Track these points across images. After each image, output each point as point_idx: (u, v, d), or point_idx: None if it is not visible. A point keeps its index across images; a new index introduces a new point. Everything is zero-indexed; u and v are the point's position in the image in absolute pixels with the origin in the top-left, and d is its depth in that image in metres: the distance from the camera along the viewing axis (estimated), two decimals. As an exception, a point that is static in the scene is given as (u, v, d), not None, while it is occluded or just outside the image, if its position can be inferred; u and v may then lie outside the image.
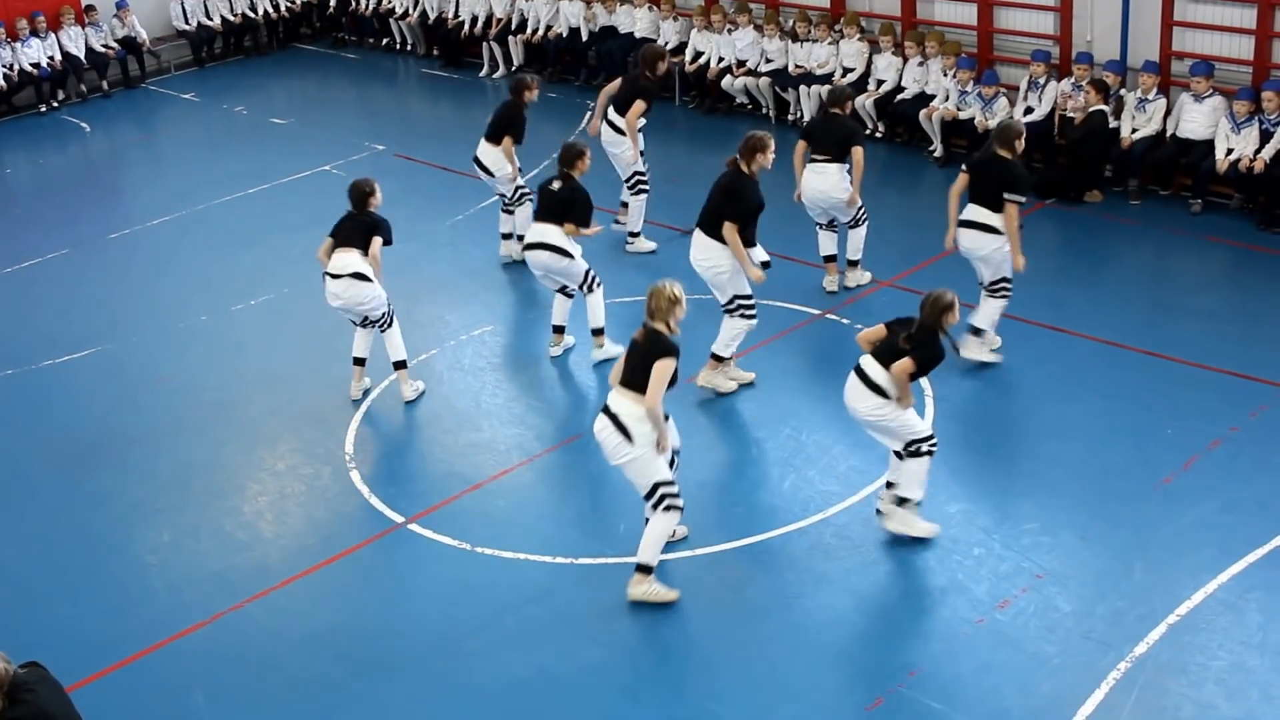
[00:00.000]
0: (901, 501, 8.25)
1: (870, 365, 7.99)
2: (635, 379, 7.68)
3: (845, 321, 11.04)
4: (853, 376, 8.08)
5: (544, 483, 9.32)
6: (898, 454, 8.16)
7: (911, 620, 7.64)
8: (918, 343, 7.83)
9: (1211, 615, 7.46)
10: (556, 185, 10.53)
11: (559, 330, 10.91)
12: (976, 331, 10.17)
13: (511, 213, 12.62)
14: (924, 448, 8.06)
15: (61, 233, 14.55)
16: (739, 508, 8.81)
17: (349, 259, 9.98)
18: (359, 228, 10.08)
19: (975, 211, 9.94)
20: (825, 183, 11.18)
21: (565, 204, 10.42)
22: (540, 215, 10.54)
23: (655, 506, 7.80)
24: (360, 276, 9.96)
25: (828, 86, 15.04)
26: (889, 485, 8.37)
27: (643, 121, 12.51)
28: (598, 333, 10.69)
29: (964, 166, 10.21)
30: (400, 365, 10.42)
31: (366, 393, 10.56)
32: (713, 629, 7.80)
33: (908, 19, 15.12)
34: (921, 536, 8.24)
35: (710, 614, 7.95)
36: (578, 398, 10.42)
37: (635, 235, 12.73)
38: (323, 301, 11.13)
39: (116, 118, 18.88)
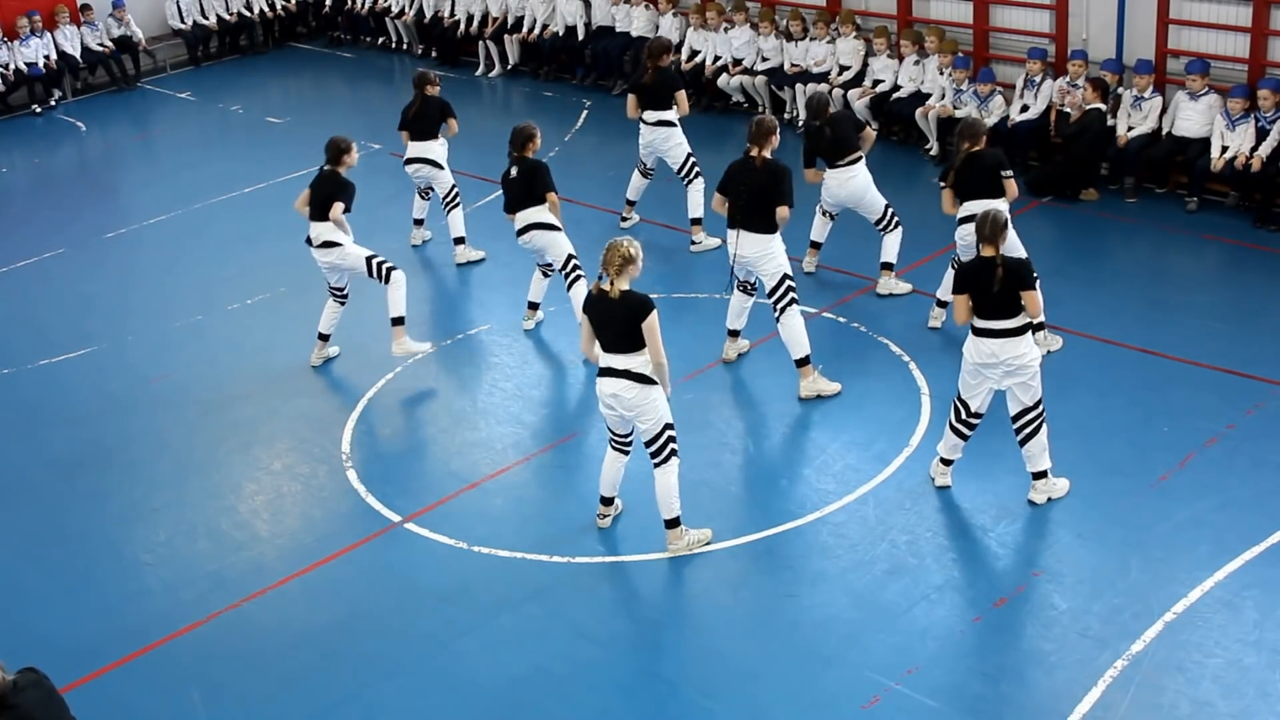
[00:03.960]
0: (1040, 474, 8.56)
1: (1006, 320, 8.20)
2: (623, 342, 8.01)
3: (841, 320, 11.05)
4: (991, 342, 8.23)
5: (540, 481, 9.32)
6: (1019, 432, 8.47)
7: (908, 618, 7.64)
8: (1010, 264, 8.24)
9: (1208, 613, 7.47)
10: (514, 172, 10.74)
11: (533, 306, 11.31)
12: (1038, 327, 10.19)
13: (427, 199, 13.10)
14: (1042, 417, 8.44)
15: (58, 232, 14.53)
16: (734, 507, 8.81)
17: (320, 229, 10.54)
18: (325, 195, 10.52)
19: (976, 205, 10.00)
20: (850, 182, 11.19)
21: (529, 184, 10.67)
22: (515, 205, 10.75)
23: (658, 454, 8.16)
24: (330, 244, 10.53)
25: (823, 85, 15.12)
26: (944, 462, 8.74)
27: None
28: None
29: (941, 182, 10.21)
30: (397, 321, 10.71)
31: (329, 362, 11.09)
32: (709, 628, 7.81)
33: (903, 17, 15.12)
34: (1062, 495, 8.62)
35: (707, 613, 7.96)
36: (573, 397, 10.42)
37: (698, 223, 12.60)
38: (319, 301, 11.15)
39: (112, 117, 18.85)
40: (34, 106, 19.03)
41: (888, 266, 11.43)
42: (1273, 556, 7.88)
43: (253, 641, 7.96)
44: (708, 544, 8.37)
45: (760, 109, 16.03)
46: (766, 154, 9.75)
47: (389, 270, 10.65)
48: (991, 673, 7.20)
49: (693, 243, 12.62)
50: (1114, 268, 11.85)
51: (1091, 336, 10.45)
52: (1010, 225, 10.07)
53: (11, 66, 18.74)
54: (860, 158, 11.12)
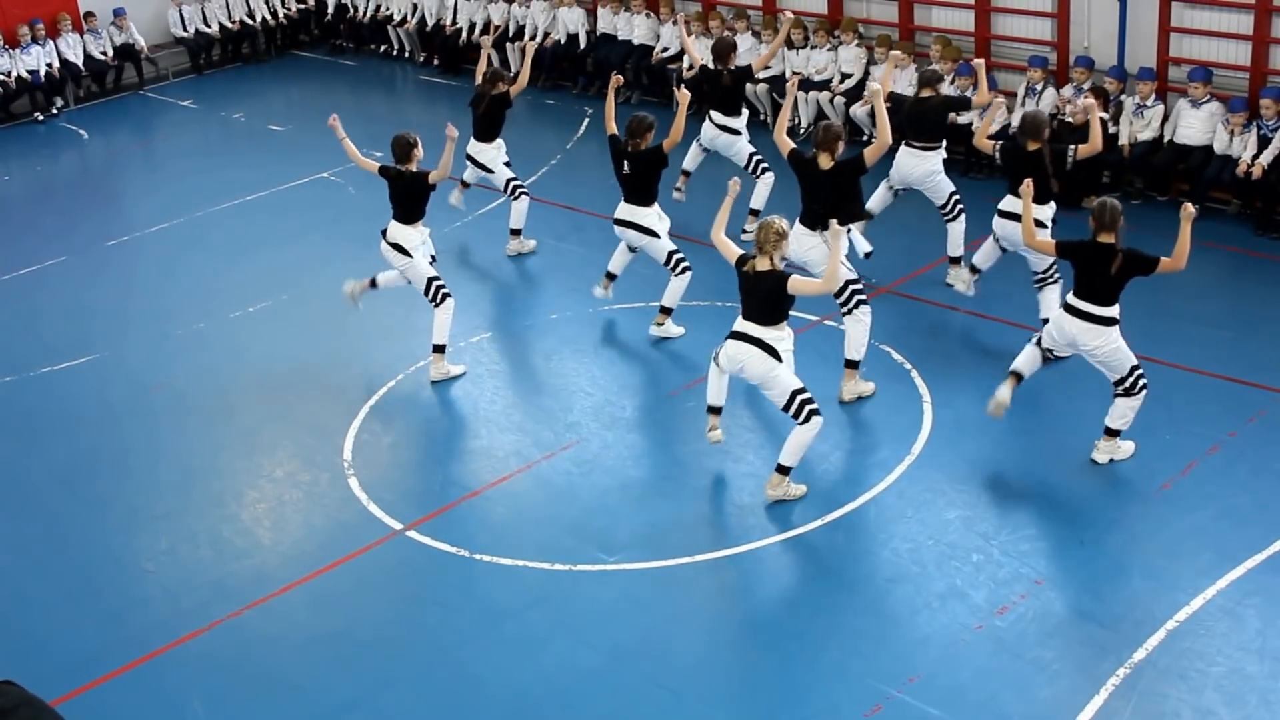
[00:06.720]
0: (1112, 433, 8.87)
1: (1101, 308, 8.55)
2: (762, 316, 8.54)
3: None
4: (1078, 323, 8.60)
5: (542, 490, 9.32)
6: (1115, 390, 8.76)
7: (910, 626, 7.64)
8: (1129, 251, 8.50)
9: (1210, 621, 7.47)
10: (627, 168, 10.87)
11: (610, 276, 11.52)
12: (1047, 321, 10.31)
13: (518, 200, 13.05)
14: (1140, 383, 8.69)
15: (60, 240, 14.54)
16: (737, 514, 8.81)
17: (396, 230, 10.66)
18: (405, 198, 10.60)
19: (1015, 203, 10.22)
20: (922, 165, 11.45)
21: (645, 175, 10.83)
22: (626, 197, 10.99)
23: (797, 416, 8.55)
24: (400, 249, 10.61)
25: (825, 93, 15.15)
26: (1014, 377, 9.02)
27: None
28: (665, 311, 11.08)
29: (998, 157, 10.48)
30: (438, 349, 10.73)
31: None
32: (711, 635, 7.81)
33: (905, 25, 15.14)
34: (1126, 458, 8.94)
35: (709, 620, 7.95)
36: (575, 404, 10.41)
37: (757, 214, 12.99)
38: (321, 308, 11.17)
39: (114, 125, 18.88)
40: (36, 114, 19.06)
41: (955, 260, 11.58)
42: (1275, 564, 7.88)
43: (254, 650, 7.96)
44: (800, 497, 8.75)
45: (761, 117, 16.04)
46: (833, 159, 9.88)
47: (444, 296, 10.63)
48: (994, 681, 7.19)
49: (744, 231, 12.78)
50: (1115, 275, 11.85)
51: (1093, 344, 10.45)
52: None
53: (14, 74, 18.76)
54: (937, 148, 11.42)
